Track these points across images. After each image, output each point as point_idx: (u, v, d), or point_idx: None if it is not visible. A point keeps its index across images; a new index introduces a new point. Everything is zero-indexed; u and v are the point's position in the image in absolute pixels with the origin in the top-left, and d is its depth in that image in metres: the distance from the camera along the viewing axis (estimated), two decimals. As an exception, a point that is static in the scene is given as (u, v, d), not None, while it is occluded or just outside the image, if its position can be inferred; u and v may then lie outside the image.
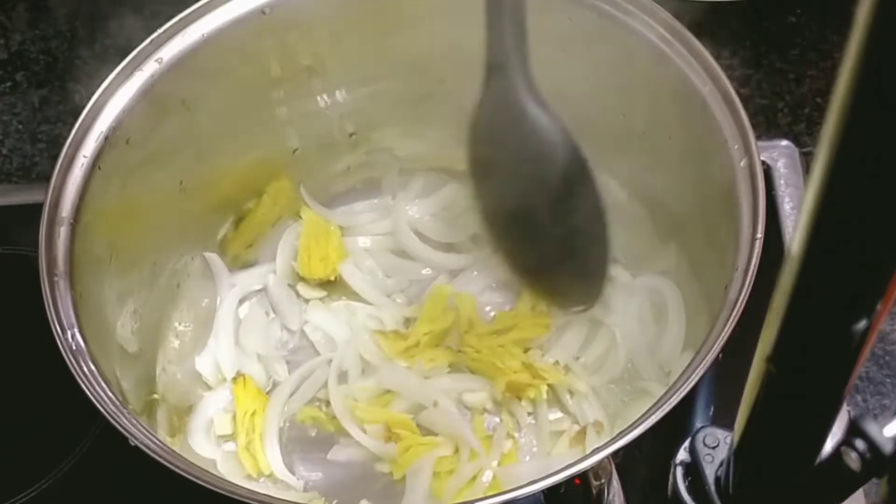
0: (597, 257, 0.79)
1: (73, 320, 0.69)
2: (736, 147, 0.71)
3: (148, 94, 0.78)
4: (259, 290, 0.92)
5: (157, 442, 0.64)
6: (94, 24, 1.15)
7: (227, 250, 0.92)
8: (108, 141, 0.76)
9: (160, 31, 0.78)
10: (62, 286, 0.70)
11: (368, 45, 0.85)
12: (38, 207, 0.72)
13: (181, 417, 0.84)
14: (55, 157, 0.74)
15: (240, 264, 0.93)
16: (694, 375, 0.61)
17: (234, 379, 0.86)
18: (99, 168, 0.75)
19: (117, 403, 0.65)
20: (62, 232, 0.72)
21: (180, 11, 0.79)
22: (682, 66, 0.75)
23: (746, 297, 0.64)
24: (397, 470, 0.81)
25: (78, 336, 0.68)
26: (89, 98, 0.76)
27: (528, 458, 0.82)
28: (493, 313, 0.89)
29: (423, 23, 0.85)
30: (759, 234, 0.67)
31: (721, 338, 0.63)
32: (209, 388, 0.87)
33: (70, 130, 0.75)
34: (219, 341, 0.88)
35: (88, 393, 0.65)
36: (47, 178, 0.73)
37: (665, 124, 0.80)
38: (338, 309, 0.91)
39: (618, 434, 0.60)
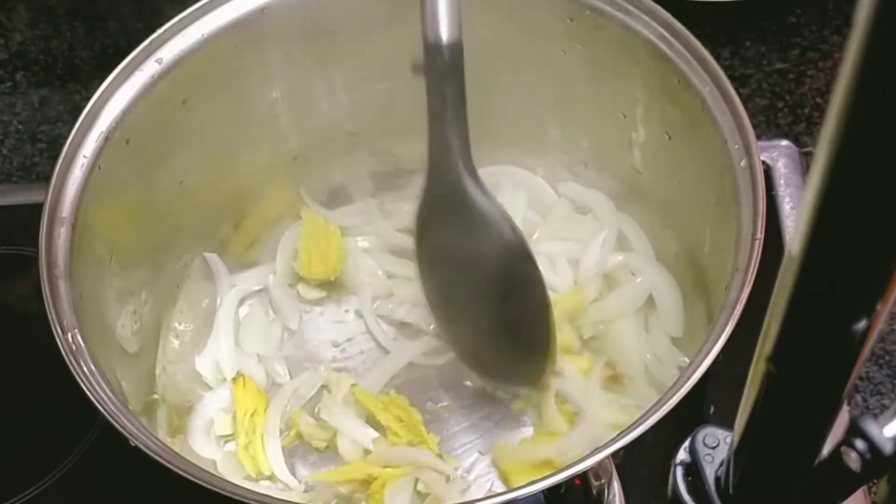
0: (540, 340, 0.78)
1: (73, 320, 0.68)
2: (736, 147, 0.71)
3: (148, 94, 0.78)
4: (259, 291, 0.92)
5: (157, 442, 0.64)
6: (94, 24, 1.15)
7: (227, 250, 0.92)
8: (108, 141, 0.76)
9: (160, 31, 0.78)
10: (62, 286, 0.70)
11: (369, 45, 0.85)
12: (38, 207, 0.72)
13: (181, 417, 0.84)
14: (55, 157, 0.74)
15: (240, 264, 0.93)
16: (694, 375, 0.61)
17: (234, 379, 0.86)
18: (99, 168, 0.75)
19: (117, 403, 0.65)
20: (62, 232, 0.72)
21: (180, 11, 0.79)
22: (682, 66, 0.75)
23: (746, 297, 0.64)
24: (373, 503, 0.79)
25: (78, 336, 0.68)
26: (89, 98, 0.76)
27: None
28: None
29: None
30: (759, 235, 0.67)
31: (721, 338, 0.63)
32: (209, 388, 0.87)
33: (70, 130, 0.75)
34: (219, 341, 0.88)
35: (88, 393, 0.65)
36: (47, 178, 0.73)
37: (665, 124, 0.80)
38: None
39: (618, 434, 0.60)
